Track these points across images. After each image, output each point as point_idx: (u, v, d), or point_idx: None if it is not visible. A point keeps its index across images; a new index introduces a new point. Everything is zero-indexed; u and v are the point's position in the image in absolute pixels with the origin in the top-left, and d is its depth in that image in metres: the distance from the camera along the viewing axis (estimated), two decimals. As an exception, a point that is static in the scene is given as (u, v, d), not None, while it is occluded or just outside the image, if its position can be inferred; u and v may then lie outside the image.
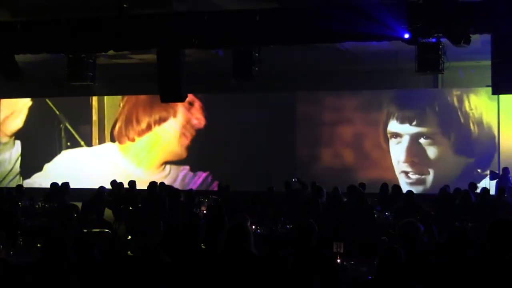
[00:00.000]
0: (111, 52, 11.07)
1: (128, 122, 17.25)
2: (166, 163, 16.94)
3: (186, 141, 16.89)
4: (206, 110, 16.78)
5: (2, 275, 4.75)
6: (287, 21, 9.68)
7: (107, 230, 7.30)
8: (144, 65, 14.45)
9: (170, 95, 10.78)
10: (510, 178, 13.40)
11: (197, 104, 16.81)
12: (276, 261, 4.22)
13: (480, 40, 10.08)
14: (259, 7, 9.71)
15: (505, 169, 13.59)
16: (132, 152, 17.16)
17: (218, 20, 9.87)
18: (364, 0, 9.33)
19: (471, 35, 9.07)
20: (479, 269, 4.40)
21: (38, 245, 6.05)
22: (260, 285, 4.23)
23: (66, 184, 11.56)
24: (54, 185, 11.93)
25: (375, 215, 9.10)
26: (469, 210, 9.27)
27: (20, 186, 12.72)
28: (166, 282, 4.73)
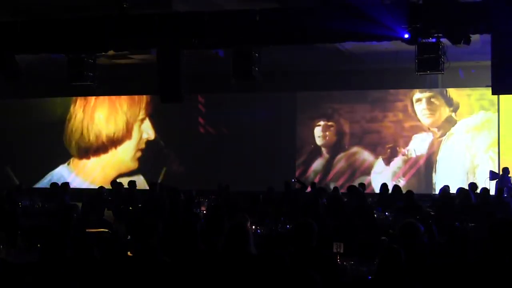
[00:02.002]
0: (111, 52, 11.08)
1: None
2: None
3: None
4: (206, 110, 16.79)
5: (2, 275, 4.74)
6: (287, 21, 9.68)
7: (107, 230, 7.29)
8: (144, 65, 14.45)
9: (170, 95, 10.78)
10: (510, 178, 13.42)
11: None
12: (272, 259, 4.22)
13: (480, 40, 10.08)
14: (259, 7, 9.71)
15: (505, 169, 13.61)
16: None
17: (218, 20, 9.87)
18: (364, 0, 9.33)
19: (471, 35, 9.08)
20: (479, 269, 4.40)
21: (38, 245, 6.05)
22: (258, 285, 4.23)
23: (66, 184, 11.57)
24: (54, 185, 11.94)
25: (375, 215, 9.10)
26: (469, 210, 9.27)
27: (20, 186, 12.72)
28: (165, 282, 4.73)
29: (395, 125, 15.67)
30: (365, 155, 15.79)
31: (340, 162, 15.94)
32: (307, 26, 9.59)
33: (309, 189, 12.65)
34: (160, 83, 10.54)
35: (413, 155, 15.46)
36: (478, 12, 9.00)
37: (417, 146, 15.45)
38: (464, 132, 15.18)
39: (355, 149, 15.89)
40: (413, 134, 15.47)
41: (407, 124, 15.56)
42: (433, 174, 15.30)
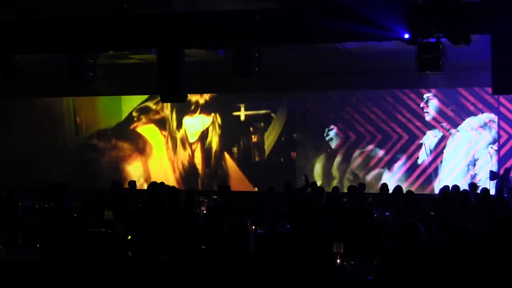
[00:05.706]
0: (111, 52, 11.07)
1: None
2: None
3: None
4: (207, 110, 16.80)
5: (2, 275, 4.74)
6: (287, 21, 9.67)
7: (107, 230, 7.29)
8: (144, 65, 14.44)
9: (170, 95, 10.78)
10: (511, 178, 13.42)
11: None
12: (263, 260, 4.23)
13: (480, 40, 10.08)
14: (259, 7, 9.70)
15: (507, 170, 13.61)
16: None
17: (218, 20, 9.86)
18: (364, 0, 9.32)
19: (471, 35, 9.08)
20: (479, 269, 4.40)
21: (38, 245, 6.05)
22: (259, 284, 4.23)
23: (66, 184, 11.56)
24: (53, 184, 11.92)
25: (375, 215, 9.10)
26: (469, 210, 9.28)
27: (20, 186, 12.71)
28: (165, 282, 4.73)
29: (406, 124, 15.65)
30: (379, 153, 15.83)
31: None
32: (307, 26, 9.58)
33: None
34: (160, 83, 10.54)
35: (424, 152, 15.50)
36: (478, 12, 8.99)
37: (427, 143, 15.48)
38: (466, 131, 15.20)
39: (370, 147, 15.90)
40: (422, 133, 15.50)
41: (417, 123, 15.57)
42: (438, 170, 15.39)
